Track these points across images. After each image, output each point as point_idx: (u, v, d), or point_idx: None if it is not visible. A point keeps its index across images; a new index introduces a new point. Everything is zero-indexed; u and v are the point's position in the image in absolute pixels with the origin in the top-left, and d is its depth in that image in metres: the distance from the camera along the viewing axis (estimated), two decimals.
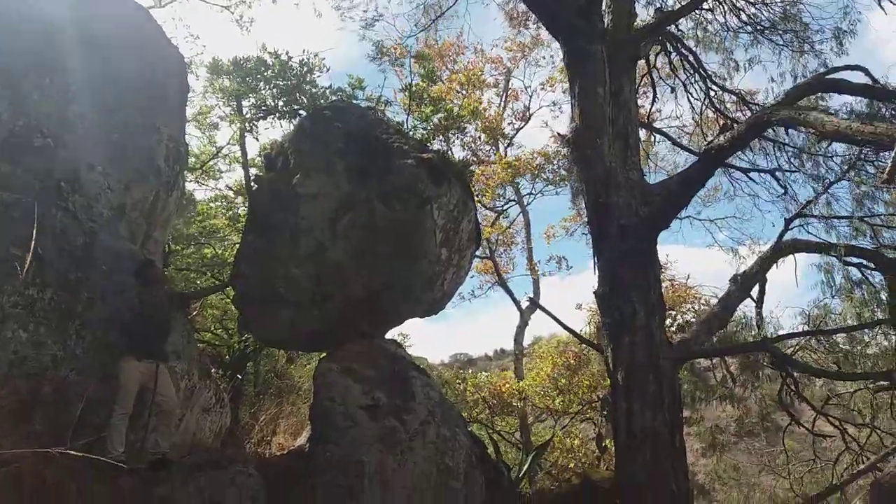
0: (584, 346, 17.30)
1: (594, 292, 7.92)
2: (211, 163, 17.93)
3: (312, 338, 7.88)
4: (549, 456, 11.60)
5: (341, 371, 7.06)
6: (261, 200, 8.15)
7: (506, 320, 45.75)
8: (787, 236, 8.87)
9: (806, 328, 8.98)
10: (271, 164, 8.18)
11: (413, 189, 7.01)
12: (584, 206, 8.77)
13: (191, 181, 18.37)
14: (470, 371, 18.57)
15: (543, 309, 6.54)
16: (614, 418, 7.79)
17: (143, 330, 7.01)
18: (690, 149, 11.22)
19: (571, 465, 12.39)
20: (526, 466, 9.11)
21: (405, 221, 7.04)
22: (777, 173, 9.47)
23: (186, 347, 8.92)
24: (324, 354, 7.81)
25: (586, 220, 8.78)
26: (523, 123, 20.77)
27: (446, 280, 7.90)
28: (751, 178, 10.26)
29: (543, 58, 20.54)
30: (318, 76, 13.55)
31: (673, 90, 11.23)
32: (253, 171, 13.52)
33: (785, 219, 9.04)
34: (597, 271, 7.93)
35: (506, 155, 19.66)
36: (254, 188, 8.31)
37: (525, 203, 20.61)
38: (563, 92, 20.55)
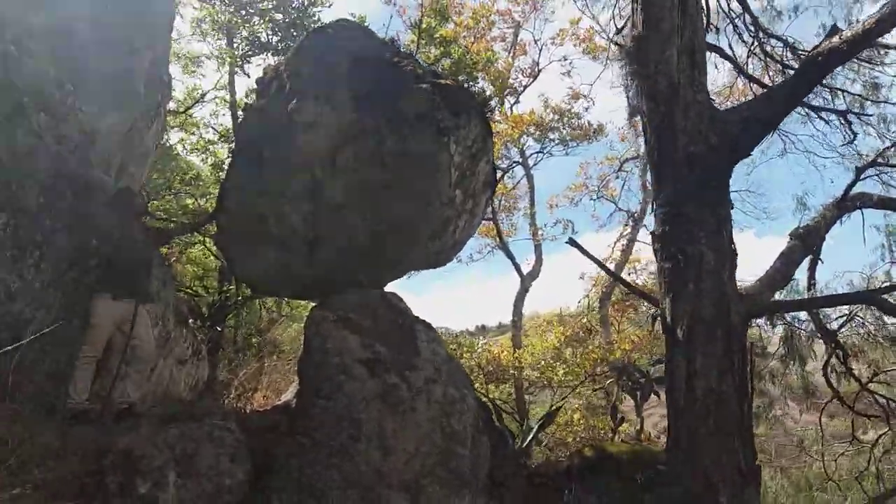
0: (589, 318, 16.88)
1: (652, 232, 6.99)
2: (195, 109, 17.22)
3: (304, 285, 7.24)
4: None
5: (337, 320, 6.41)
6: (250, 130, 7.40)
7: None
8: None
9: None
10: (264, 89, 7.42)
11: (429, 118, 6.28)
12: (642, 129, 7.80)
13: (174, 127, 17.73)
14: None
15: (581, 248, 5.81)
16: (670, 381, 6.94)
17: (122, 265, 6.36)
18: (757, 79, 10.20)
19: (570, 439, 11.90)
20: (531, 436, 8.56)
21: (417, 155, 6.33)
22: (848, 117, 8.46)
23: (163, 291, 8.29)
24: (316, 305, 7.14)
25: (644, 145, 7.77)
26: (531, 80, 19.98)
27: (458, 227, 7.24)
28: (814, 127, 9.33)
29: (552, 11, 19.68)
30: (320, 11, 12.74)
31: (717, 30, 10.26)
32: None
33: (856, 167, 8.11)
34: (654, 207, 7.01)
35: (511, 113, 18.95)
36: (242, 118, 7.56)
37: (529, 165, 19.97)
38: (574, 45, 19.83)
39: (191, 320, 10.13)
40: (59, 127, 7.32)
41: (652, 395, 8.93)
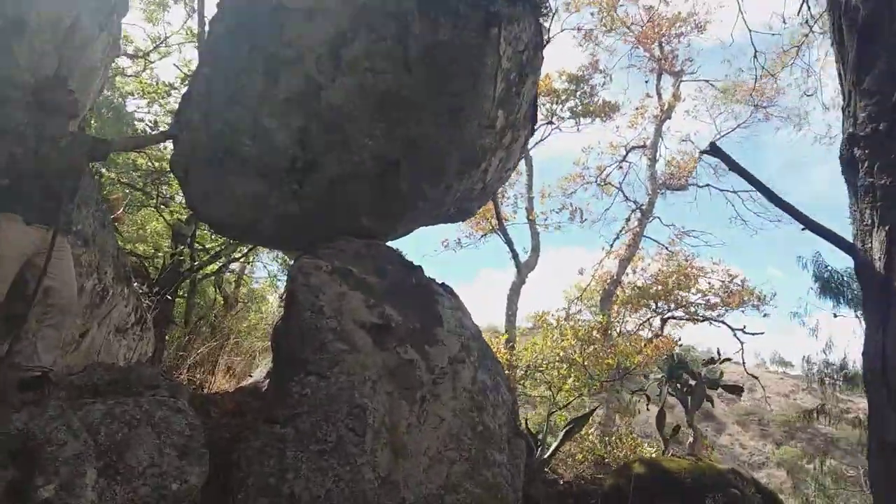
0: (602, 317, 15.52)
1: (849, 137, 5.13)
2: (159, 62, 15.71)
3: (286, 227, 5.69)
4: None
5: (334, 272, 4.89)
6: (225, 24, 5.79)
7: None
8: None
9: None
10: None
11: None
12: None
13: (129, 76, 16.14)
14: None
15: (726, 156, 4.33)
16: (876, 362, 5.14)
17: (35, 179, 4.75)
18: None
19: (579, 456, 10.42)
20: (556, 444, 7.11)
21: (455, 50, 4.83)
22: None
23: (99, 233, 6.69)
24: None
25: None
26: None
27: (491, 167, 5.78)
28: None
29: None
30: None
31: None
32: None
33: None
34: (855, 100, 5.18)
35: None
36: (217, 4, 5.97)
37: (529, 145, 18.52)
38: (592, 14, 18.45)
39: (136, 282, 8.47)
40: None
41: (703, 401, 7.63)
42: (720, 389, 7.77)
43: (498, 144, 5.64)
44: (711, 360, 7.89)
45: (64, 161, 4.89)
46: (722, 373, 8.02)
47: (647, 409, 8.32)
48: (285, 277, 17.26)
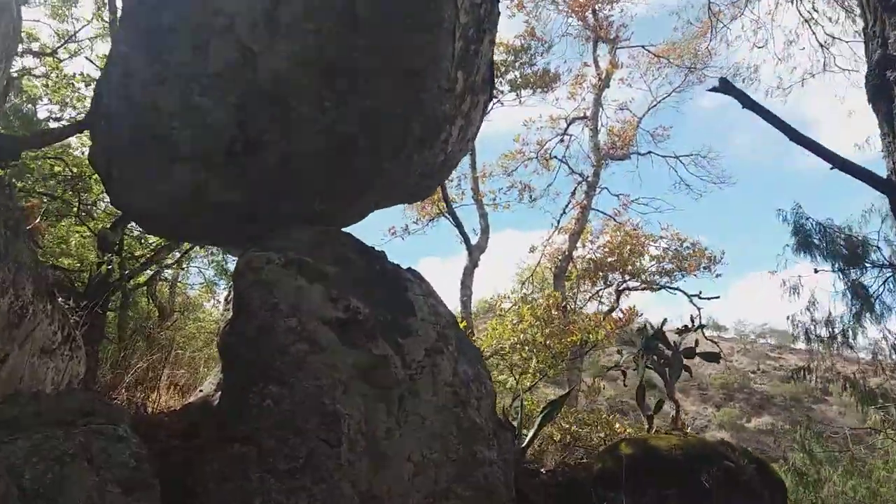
0: (554, 295, 15.23)
1: (881, 58, 4.69)
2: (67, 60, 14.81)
3: (228, 218, 5.10)
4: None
5: (288, 264, 4.35)
6: None
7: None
8: None
9: None
10: None
11: None
12: None
13: (38, 76, 15.13)
14: None
15: (739, 92, 3.91)
16: None
17: None
18: None
19: (557, 438, 10.07)
20: (534, 429, 6.71)
21: (410, 2, 4.33)
22: None
23: (13, 243, 5.97)
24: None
25: None
26: None
27: (451, 136, 5.30)
28: None
29: None
30: None
31: None
32: None
33: None
34: (883, 20, 4.70)
35: None
36: None
37: None
38: None
39: (60, 298, 7.69)
40: None
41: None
42: (697, 358, 7.54)
43: (457, 111, 5.18)
44: (685, 329, 7.65)
45: None
46: (697, 341, 7.78)
47: (625, 385, 7.97)
48: (224, 282, 16.55)
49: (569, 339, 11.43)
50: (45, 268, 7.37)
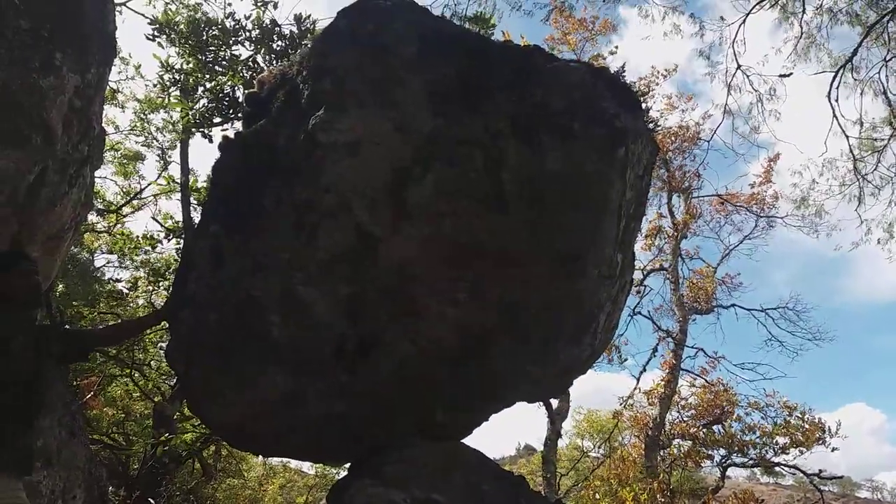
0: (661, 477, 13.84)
1: None
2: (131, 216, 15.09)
3: (329, 434, 4.28)
4: None
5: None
6: (233, 173, 4.62)
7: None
8: None
9: None
10: (258, 107, 4.78)
11: (595, 112, 3.66)
12: None
13: (100, 231, 15.34)
14: None
15: None
16: None
17: None
18: None
19: None
20: None
21: (571, 179, 3.65)
22: None
23: (66, 444, 5.35)
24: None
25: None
26: None
27: (600, 326, 4.49)
28: None
29: None
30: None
31: None
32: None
33: None
34: None
35: None
36: (219, 158, 4.84)
37: None
38: None
39: (111, 487, 6.92)
40: None
41: None
42: None
43: (608, 296, 4.40)
44: None
45: (22, 370, 3.57)
46: None
47: None
48: None
49: None
50: (100, 467, 6.61)
